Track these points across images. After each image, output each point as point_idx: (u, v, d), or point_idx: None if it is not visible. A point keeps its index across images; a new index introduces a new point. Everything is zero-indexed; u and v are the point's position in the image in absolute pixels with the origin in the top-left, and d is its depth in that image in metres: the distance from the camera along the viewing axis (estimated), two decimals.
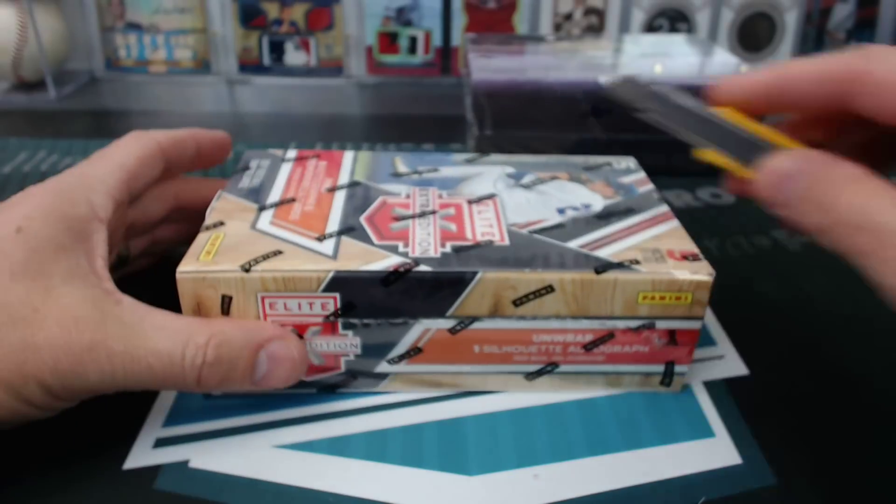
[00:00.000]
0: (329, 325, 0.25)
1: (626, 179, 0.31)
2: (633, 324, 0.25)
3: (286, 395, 0.27)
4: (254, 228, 0.26)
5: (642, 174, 0.32)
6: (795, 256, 0.37)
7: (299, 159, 0.32)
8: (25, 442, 0.24)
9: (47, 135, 0.54)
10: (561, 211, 0.28)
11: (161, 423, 0.26)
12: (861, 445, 0.25)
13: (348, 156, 0.33)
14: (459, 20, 0.68)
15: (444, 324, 0.25)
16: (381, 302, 0.24)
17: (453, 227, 0.27)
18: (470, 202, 0.28)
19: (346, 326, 0.25)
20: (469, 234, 0.26)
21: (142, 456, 0.24)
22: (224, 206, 0.28)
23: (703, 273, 0.24)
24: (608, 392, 0.27)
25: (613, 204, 0.29)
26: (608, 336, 0.25)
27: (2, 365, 0.20)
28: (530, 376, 0.27)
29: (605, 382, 0.27)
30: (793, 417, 0.26)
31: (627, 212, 0.28)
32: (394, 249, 0.25)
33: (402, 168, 0.32)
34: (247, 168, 0.31)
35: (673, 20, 0.68)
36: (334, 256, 0.25)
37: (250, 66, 0.69)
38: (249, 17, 0.68)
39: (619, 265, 0.24)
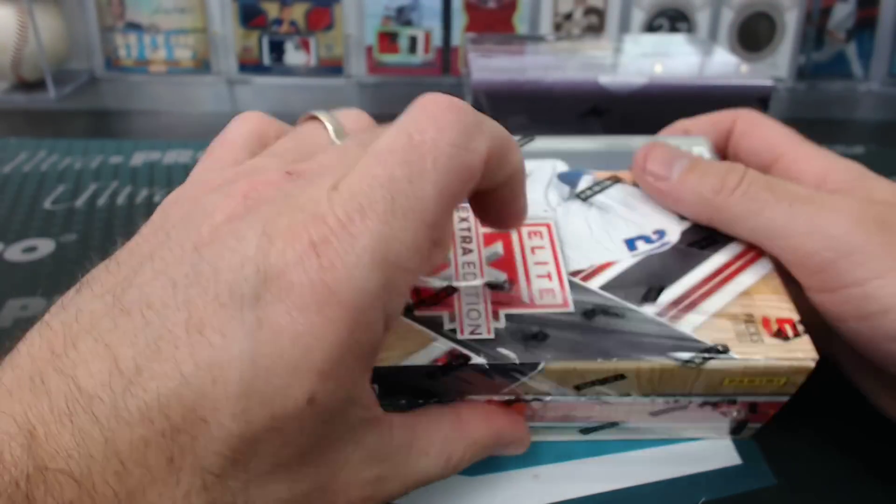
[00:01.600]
0: None
1: None
2: (712, 399, 0.22)
3: None
4: None
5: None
6: None
7: None
8: None
9: (47, 135, 0.54)
10: (630, 244, 0.23)
11: None
12: (861, 445, 0.25)
13: None
14: (459, 20, 0.68)
15: (498, 398, 0.22)
16: (425, 386, 0.21)
17: (503, 278, 0.22)
18: (520, 230, 0.23)
19: (384, 407, 0.20)
20: (525, 295, 0.22)
21: None
22: None
23: (805, 357, 0.20)
24: (670, 435, 0.25)
25: (691, 230, 0.24)
26: (680, 408, 0.22)
27: None
28: (586, 431, 0.24)
29: (667, 435, 0.24)
30: (793, 418, 0.26)
31: (708, 242, 0.23)
32: (437, 326, 0.21)
33: None
34: None
35: (673, 20, 0.68)
36: None
37: (250, 65, 0.69)
38: (249, 16, 0.68)
39: (707, 349, 0.20)
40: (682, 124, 0.30)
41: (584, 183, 0.25)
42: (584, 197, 0.25)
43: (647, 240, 0.23)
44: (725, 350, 0.20)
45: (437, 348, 0.20)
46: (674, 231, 0.24)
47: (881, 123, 0.60)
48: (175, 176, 0.47)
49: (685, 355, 0.20)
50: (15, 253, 0.37)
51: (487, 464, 0.24)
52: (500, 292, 0.22)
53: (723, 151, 0.29)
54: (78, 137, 0.54)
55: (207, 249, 0.16)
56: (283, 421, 0.15)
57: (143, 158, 0.49)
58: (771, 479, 0.23)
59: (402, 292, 0.16)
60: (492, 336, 0.21)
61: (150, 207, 0.42)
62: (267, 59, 0.69)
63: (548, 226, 0.24)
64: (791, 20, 0.67)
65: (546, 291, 0.22)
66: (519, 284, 0.22)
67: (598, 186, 0.25)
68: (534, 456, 0.24)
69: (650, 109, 0.46)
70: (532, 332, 0.21)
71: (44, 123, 0.58)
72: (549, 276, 0.22)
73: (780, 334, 0.21)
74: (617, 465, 0.24)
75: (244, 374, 0.15)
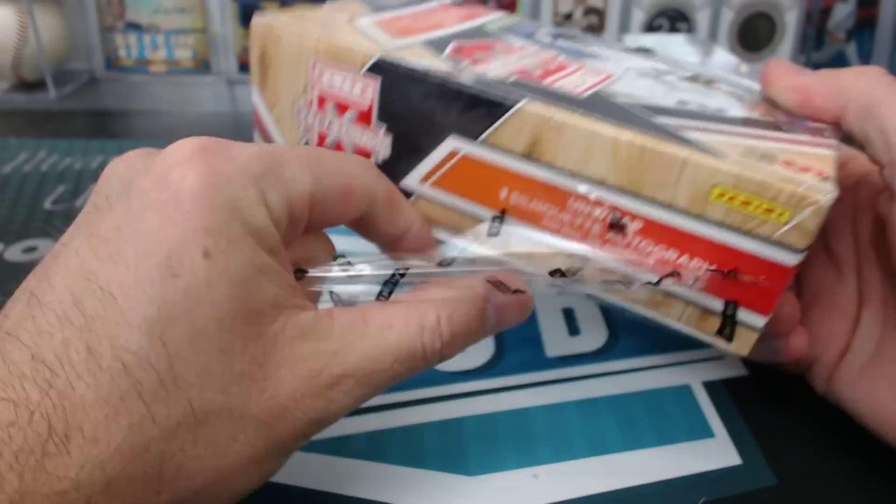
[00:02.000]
0: (364, 115, 0.25)
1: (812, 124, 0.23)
2: (701, 228, 0.19)
3: None
4: (351, 24, 0.27)
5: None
6: None
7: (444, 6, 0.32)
8: None
9: (47, 135, 0.54)
10: (682, 103, 0.22)
11: None
12: (861, 445, 0.25)
13: (495, 14, 0.32)
14: None
15: (475, 149, 0.23)
16: (416, 105, 0.24)
17: (539, 72, 0.24)
18: (582, 66, 0.25)
19: (381, 118, 0.25)
20: (548, 80, 0.23)
21: None
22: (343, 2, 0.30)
23: (820, 189, 0.18)
24: (651, 314, 0.22)
25: (763, 119, 0.22)
26: (658, 229, 0.20)
27: (252, 440, 0.17)
28: (554, 274, 0.21)
29: (648, 300, 0.21)
30: (793, 417, 0.26)
31: (774, 127, 0.21)
32: (453, 60, 0.24)
33: (542, 34, 0.29)
34: None
35: (673, 20, 0.68)
36: (388, 45, 0.25)
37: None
38: (249, 16, 0.68)
39: (699, 145, 0.19)
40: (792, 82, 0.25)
41: (672, 77, 0.26)
42: (664, 81, 0.25)
43: (702, 106, 0.23)
44: (720, 153, 0.18)
45: (440, 64, 0.23)
46: (737, 112, 0.23)
47: None
48: None
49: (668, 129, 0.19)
50: (15, 253, 0.37)
51: (487, 464, 0.24)
52: (527, 72, 0.24)
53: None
54: (78, 137, 0.54)
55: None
56: (187, 280, 0.16)
57: None
58: (771, 479, 0.23)
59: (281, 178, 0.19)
60: (490, 80, 0.23)
61: None
62: None
63: (609, 77, 0.24)
64: (791, 20, 0.67)
65: (573, 85, 0.23)
66: (548, 74, 0.24)
67: (685, 81, 0.26)
68: (534, 456, 0.24)
69: None
70: (528, 88, 0.22)
71: (44, 123, 0.58)
72: (577, 85, 0.23)
73: (801, 170, 0.18)
74: (617, 465, 0.24)
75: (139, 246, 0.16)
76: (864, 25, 0.67)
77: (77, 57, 0.69)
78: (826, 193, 0.17)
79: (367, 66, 0.24)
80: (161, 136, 0.54)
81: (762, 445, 0.25)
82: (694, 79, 0.26)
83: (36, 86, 0.64)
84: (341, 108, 0.25)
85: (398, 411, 0.26)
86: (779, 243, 0.18)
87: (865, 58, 0.68)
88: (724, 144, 0.19)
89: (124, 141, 0.53)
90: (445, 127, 0.23)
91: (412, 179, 0.25)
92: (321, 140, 0.26)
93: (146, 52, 0.69)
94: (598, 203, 0.21)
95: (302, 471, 0.24)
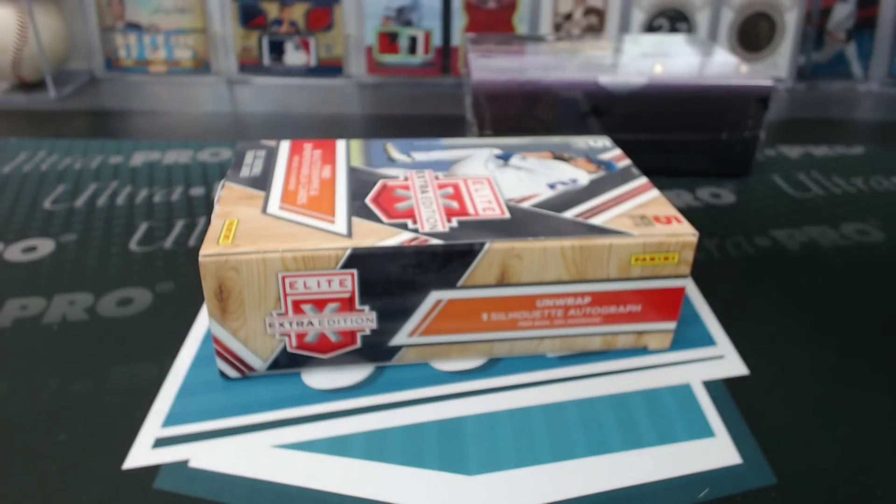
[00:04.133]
0: (347, 301, 0.26)
1: (605, 156, 0.33)
2: (628, 285, 0.27)
3: (286, 395, 0.27)
4: (265, 213, 0.27)
5: (618, 151, 0.35)
6: (795, 256, 0.37)
7: (294, 149, 0.33)
8: (25, 441, 0.24)
9: (47, 135, 0.54)
10: (552, 186, 0.30)
11: (160, 423, 0.26)
12: (861, 445, 0.25)
13: (341, 144, 0.34)
14: (459, 20, 0.68)
15: (456, 294, 0.26)
16: (396, 276, 0.26)
17: (455, 204, 0.28)
18: (466, 181, 0.30)
19: (363, 301, 0.26)
20: (471, 210, 0.28)
21: (141, 456, 0.24)
22: (230, 195, 0.29)
23: (687, 234, 0.27)
24: (602, 349, 0.29)
25: (598, 178, 0.31)
26: (604, 297, 0.27)
27: None
28: (534, 342, 0.28)
29: (602, 343, 0.29)
30: (793, 417, 0.26)
31: (612, 184, 0.31)
32: (403, 226, 0.26)
33: (395, 154, 0.33)
34: (243, 158, 0.32)
35: (673, 20, 0.68)
36: (349, 235, 0.25)
37: (250, 66, 0.69)
38: (249, 17, 0.68)
39: (614, 231, 0.27)
40: None
41: (515, 159, 0.32)
42: (515, 166, 0.32)
43: (563, 183, 0.30)
44: (627, 230, 0.27)
45: (404, 235, 0.26)
46: (584, 178, 0.31)
47: (881, 123, 0.61)
48: (175, 176, 0.47)
49: (598, 231, 0.27)
50: (15, 253, 0.37)
51: (487, 464, 0.24)
52: (451, 208, 0.28)
53: None
54: (78, 137, 0.54)
55: None
56: None
57: (142, 158, 0.49)
58: (771, 478, 0.24)
59: None
60: (447, 230, 0.26)
61: (149, 207, 0.42)
62: (267, 60, 0.69)
63: (488, 179, 0.30)
64: (791, 20, 0.67)
65: (488, 208, 0.28)
66: (466, 204, 0.28)
67: (526, 160, 0.32)
68: (534, 456, 0.24)
69: (650, 109, 0.46)
70: (478, 228, 0.26)
71: (44, 123, 0.58)
72: (489, 202, 0.28)
73: (668, 223, 0.27)
74: (617, 465, 0.24)
75: None
76: (864, 25, 0.67)
77: (77, 57, 0.69)
78: (692, 235, 0.27)
79: (342, 263, 0.25)
80: (161, 136, 0.55)
81: (762, 445, 0.25)
82: (527, 152, 0.33)
83: (36, 86, 0.64)
84: (320, 304, 0.26)
85: (398, 411, 0.26)
86: (675, 275, 0.27)
87: (865, 58, 0.68)
88: (618, 220, 0.27)
89: (124, 141, 0.53)
90: (426, 285, 0.26)
91: (400, 337, 0.27)
92: (300, 339, 0.27)
93: (146, 52, 0.69)
94: (559, 296, 0.27)
95: (302, 471, 0.24)
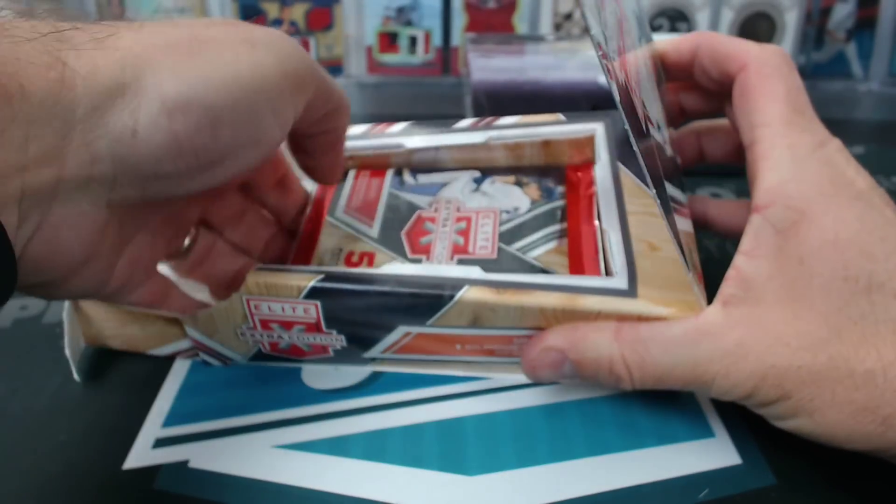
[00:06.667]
0: (312, 326, 0.26)
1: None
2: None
3: (286, 395, 0.27)
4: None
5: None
6: None
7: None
8: (24, 441, 0.24)
9: None
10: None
11: (160, 423, 0.26)
12: None
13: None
14: (459, 20, 0.68)
15: (425, 329, 0.26)
16: (361, 312, 0.25)
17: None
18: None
19: (330, 326, 0.26)
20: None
21: (141, 456, 0.24)
22: None
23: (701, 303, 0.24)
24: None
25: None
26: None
27: None
28: (514, 366, 0.27)
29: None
30: None
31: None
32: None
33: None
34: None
35: (673, 20, 0.68)
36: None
37: None
38: (249, 17, 0.68)
39: (601, 290, 0.25)
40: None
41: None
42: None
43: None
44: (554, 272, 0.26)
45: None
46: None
47: (881, 123, 0.60)
48: None
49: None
50: None
51: (487, 464, 0.24)
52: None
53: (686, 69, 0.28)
54: None
55: None
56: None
57: None
58: (771, 478, 0.23)
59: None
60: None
61: None
62: None
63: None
64: (791, 20, 0.67)
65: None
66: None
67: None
68: (534, 456, 0.24)
69: None
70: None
71: None
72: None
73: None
74: (617, 465, 0.24)
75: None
76: (864, 25, 0.67)
77: None
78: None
79: (304, 294, 0.25)
80: None
81: (762, 445, 0.25)
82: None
83: None
84: (287, 325, 0.26)
85: (398, 411, 0.26)
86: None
87: (865, 58, 0.68)
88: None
89: None
90: (395, 321, 0.25)
91: (374, 353, 0.27)
92: (273, 347, 0.27)
93: None
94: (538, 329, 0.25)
95: (302, 471, 0.24)
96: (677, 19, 0.68)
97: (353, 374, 0.28)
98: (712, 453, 0.24)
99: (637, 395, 0.27)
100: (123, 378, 0.28)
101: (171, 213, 0.25)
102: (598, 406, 0.26)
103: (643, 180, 0.26)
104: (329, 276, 0.25)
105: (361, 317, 0.25)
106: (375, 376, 0.28)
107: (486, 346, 0.26)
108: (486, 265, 0.26)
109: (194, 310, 0.26)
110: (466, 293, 0.24)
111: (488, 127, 0.32)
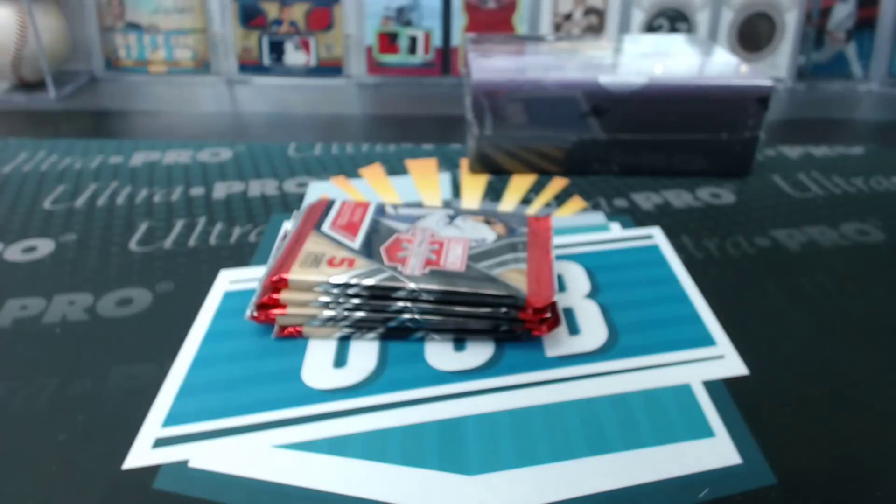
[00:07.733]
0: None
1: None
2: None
3: (286, 395, 0.27)
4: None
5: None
6: (795, 256, 0.37)
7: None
8: (24, 441, 0.24)
9: (47, 135, 0.54)
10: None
11: (160, 423, 0.26)
12: (861, 445, 0.25)
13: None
14: (459, 20, 0.68)
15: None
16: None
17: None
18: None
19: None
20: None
21: (141, 456, 0.24)
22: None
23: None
24: None
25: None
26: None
27: None
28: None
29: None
30: (793, 417, 0.26)
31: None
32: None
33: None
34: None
35: (673, 20, 0.68)
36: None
37: (250, 66, 0.69)
38: (249, 17, 0.68)
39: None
40: None
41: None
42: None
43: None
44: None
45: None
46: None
47: (881, 123, 0.61)
48: (175, 176, 0.47)
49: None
50: (15, 253, 0.37)
51: (487, 464, 0.24)
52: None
53: None
54: (78, 137, 0.54)
55: None
56: None
57: (142, 158, 0.49)
58: (771, 478, 0.23)
59: None
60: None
61: (149, 207, 0.42)
62: (267, 60, 0.69)
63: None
64: (791, 20, 0.67)
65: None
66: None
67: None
68: (534, 456, 0.24)
69: (650, 109, 0.46)
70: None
71: (44, 123, 0.58)
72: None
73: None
74: (617, 465, 0.24)
75: None
76: (864, 25, 0.67)
77: (77, 57, 0.69)
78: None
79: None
80: (161, 137, 0.54)
81: (762, 445, 0.25)
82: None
83: (36, 86, 0.64)
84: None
85: (398, 411, 0.26)
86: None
87: (865, 58, 0.68)
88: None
89: (124, 141, 0.53)
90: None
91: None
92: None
93: (146, 52, 0.69)
94: None
95: (302, 471, 0.24)
96: (677, 19, 0.68)
97: (353, 374, 0.28)
98: (712, 453, 0.24)
99: (637, 395, 0.27)
100: (123, 378, 0.28)
101: None
102: (598, 406, 0.26)
103: None
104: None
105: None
106: (376, 376, 0.28)
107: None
108: (454, 276, 0.30)
109: None
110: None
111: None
